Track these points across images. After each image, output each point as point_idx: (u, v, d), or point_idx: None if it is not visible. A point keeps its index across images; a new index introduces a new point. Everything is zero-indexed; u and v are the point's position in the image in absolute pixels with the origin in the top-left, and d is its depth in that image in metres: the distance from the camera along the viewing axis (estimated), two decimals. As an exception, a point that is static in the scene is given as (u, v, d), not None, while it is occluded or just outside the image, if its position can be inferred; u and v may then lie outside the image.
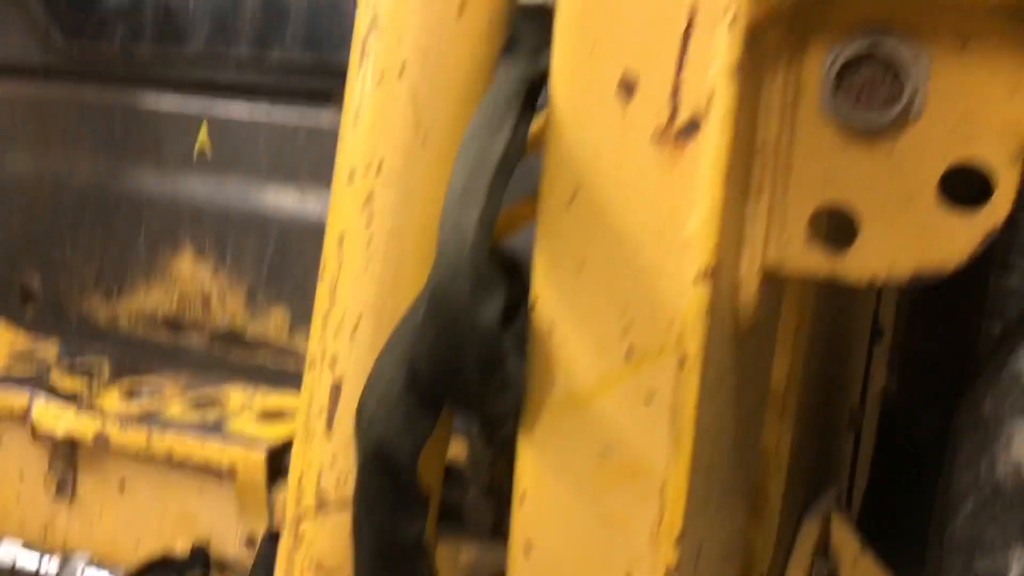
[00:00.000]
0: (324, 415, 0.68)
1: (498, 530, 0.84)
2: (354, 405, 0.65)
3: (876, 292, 1.45)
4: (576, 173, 0.61)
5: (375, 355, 0.65)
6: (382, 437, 0.60)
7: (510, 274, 0.64)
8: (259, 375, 1.10)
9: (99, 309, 1.21)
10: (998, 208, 0.60)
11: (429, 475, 0.65)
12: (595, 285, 0.62)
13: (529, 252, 0.66)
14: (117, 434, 0.96)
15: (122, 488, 0.99)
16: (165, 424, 0.96)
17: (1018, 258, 1.69)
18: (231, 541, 0.94)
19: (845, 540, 1.12)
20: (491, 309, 0.57)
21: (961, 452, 1.00)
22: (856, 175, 0.62)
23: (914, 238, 0.62)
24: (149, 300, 1.17)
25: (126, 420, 0.97)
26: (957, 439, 1.03)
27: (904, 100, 0.59)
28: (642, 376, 0.62)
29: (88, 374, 1.08)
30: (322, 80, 1.14)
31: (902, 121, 0.59)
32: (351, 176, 0.68)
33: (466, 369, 0.57)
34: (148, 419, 0.97)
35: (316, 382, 0.68)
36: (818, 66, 0.60)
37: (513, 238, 0.72)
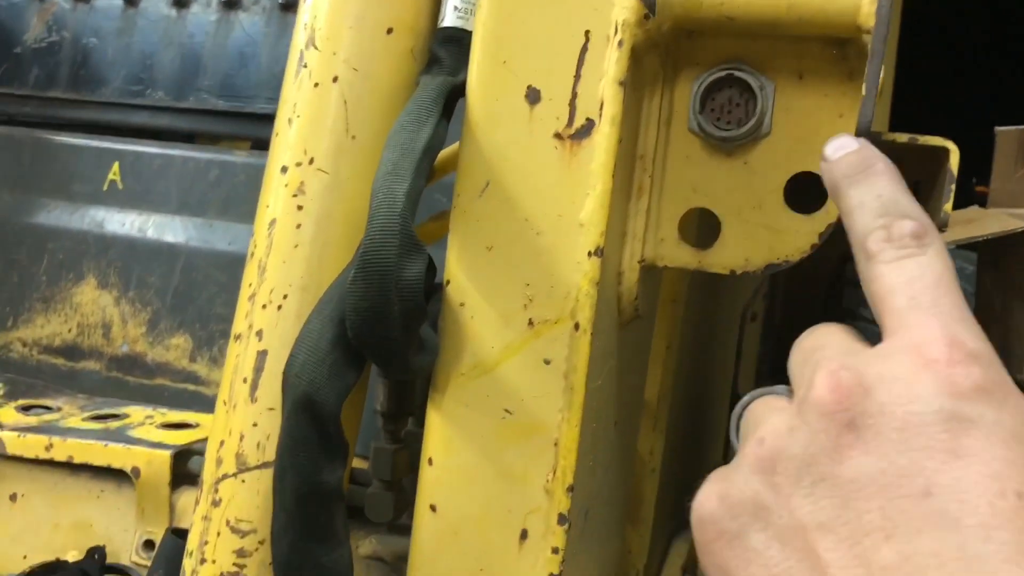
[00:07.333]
0: (248, 383, 0.73)
1: (395, 523, 0.89)
2: (278, 375, 0.71)
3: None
4: (487, 168, 0.72)
5: (299, 328, 0.71)
6: (309, 387, 0.66)
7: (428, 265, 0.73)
8: (159, 398, 1.12)
9: (-10, 338, 1.21)
10: (831, 211, 0.73)
11: (348, 428, 0.71)
12: (501, 265, 0.71)
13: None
14: (15, 442, 0.96)
15: (13, 500, 0.98)
16: (65, 431, 0.97)
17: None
18: (126, 548, 0.95)
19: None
20: (415, 268, 0.65)
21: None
22: (718, 183, 0.74)
23: (765, 236, 0.74)
24: (47, 329, 1.18)
25: (24, 430, 0.98)
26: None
27: (754, 119, 0.72)
28: (541, 343, 0.71)
29: (-20, 392, 1.08)
30: (236, 125, 1.22)
31: (754, 137, 0.73)
32: (284, 170, 0.76)
33: (391, 320, 0.65)
34: (47, 428, 0.98)
35: (242, 353, 0.74)
36: (687, 89, 0.73)
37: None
